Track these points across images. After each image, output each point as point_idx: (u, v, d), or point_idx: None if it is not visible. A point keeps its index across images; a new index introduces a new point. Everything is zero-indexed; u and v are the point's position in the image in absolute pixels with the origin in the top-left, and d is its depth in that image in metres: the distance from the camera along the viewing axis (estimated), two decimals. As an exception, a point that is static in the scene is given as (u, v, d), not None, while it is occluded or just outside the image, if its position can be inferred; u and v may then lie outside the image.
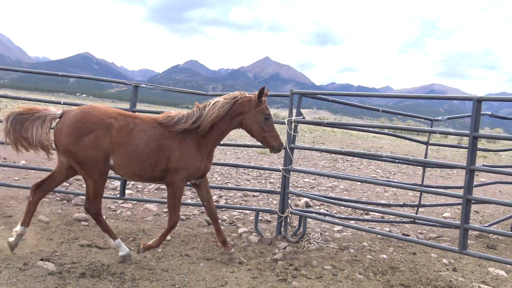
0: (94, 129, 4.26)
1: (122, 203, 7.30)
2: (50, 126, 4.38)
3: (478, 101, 4.82)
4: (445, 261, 5.72)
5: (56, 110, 4.44)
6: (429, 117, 7.41)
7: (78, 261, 4.51)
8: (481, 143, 48.23)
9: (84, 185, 4.91)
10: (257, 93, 4.70)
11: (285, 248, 5.63)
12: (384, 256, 5.70)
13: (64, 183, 6.84)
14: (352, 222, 7.04)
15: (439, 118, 7.16)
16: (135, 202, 7.46)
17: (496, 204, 9.38)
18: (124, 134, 4.38)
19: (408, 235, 7.06)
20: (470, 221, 8.57)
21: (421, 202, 7.42)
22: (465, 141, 10.93)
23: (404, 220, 7.29)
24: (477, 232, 7.24)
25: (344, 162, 18.36)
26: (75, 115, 4.32)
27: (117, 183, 8.33)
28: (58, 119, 4.42)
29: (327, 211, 8.27)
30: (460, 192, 5.03)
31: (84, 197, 5.31)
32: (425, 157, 7.32)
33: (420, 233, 7.30)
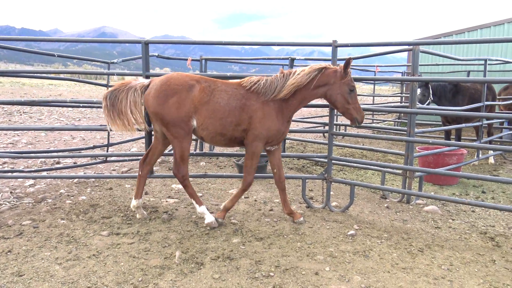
0: (178, 91, 4.49)
1: None
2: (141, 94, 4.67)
3: (146, 44, 5.49)
4: (138, 188, 6.50)
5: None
6: (106, 60, 7.76)
7: None
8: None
9: None
10: (343, 64, 4.63)
11: (-31, 217, 5.01)
12: (84, 197, 5.95)
13: None
14: (44, 173, 6.84)
15: (115, 60, 7.62)
16: None
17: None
18: (206, 94, 4.53)
19: (103, 174, 7.51)
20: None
21: (110, 142, 7.89)
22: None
23: (97, 160, 7.63)
24: (160, 159, 8.44)
25: (21, 115, 16.54)
26: (161, 80, 4.59)
27: None
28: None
29: (13, 168, 7.63)
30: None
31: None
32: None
33: (113, 170, 7.87)
